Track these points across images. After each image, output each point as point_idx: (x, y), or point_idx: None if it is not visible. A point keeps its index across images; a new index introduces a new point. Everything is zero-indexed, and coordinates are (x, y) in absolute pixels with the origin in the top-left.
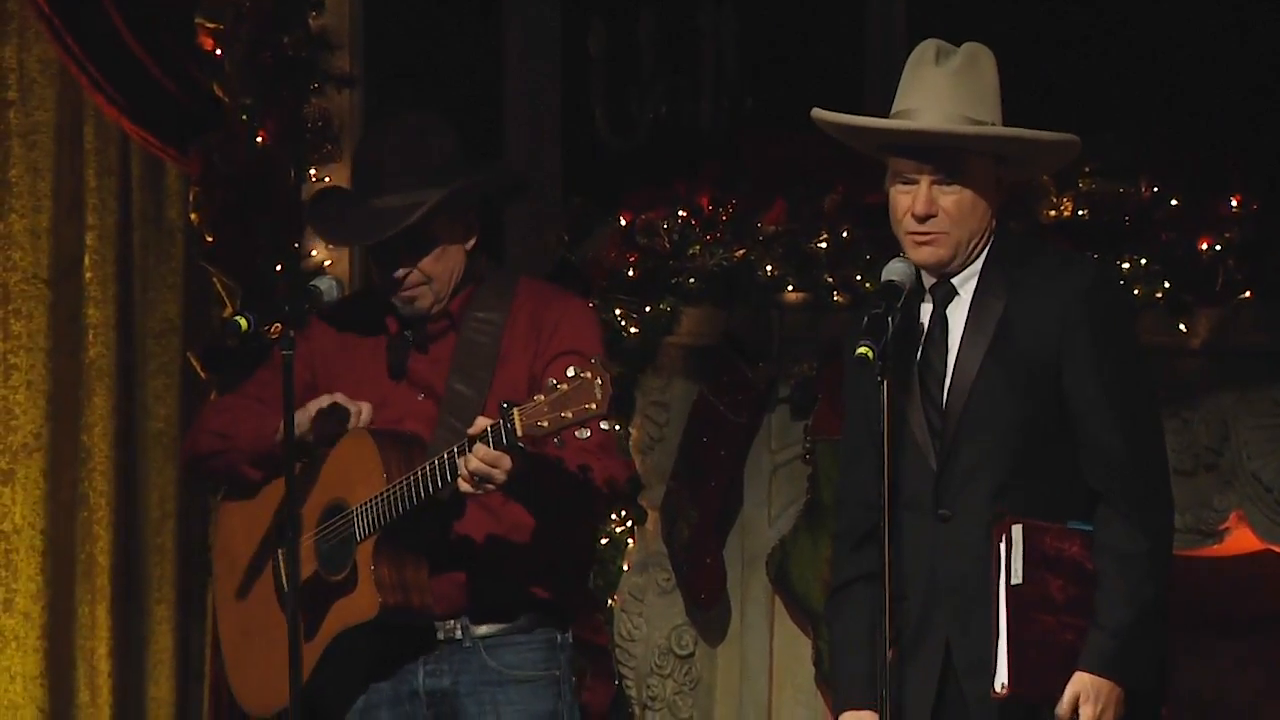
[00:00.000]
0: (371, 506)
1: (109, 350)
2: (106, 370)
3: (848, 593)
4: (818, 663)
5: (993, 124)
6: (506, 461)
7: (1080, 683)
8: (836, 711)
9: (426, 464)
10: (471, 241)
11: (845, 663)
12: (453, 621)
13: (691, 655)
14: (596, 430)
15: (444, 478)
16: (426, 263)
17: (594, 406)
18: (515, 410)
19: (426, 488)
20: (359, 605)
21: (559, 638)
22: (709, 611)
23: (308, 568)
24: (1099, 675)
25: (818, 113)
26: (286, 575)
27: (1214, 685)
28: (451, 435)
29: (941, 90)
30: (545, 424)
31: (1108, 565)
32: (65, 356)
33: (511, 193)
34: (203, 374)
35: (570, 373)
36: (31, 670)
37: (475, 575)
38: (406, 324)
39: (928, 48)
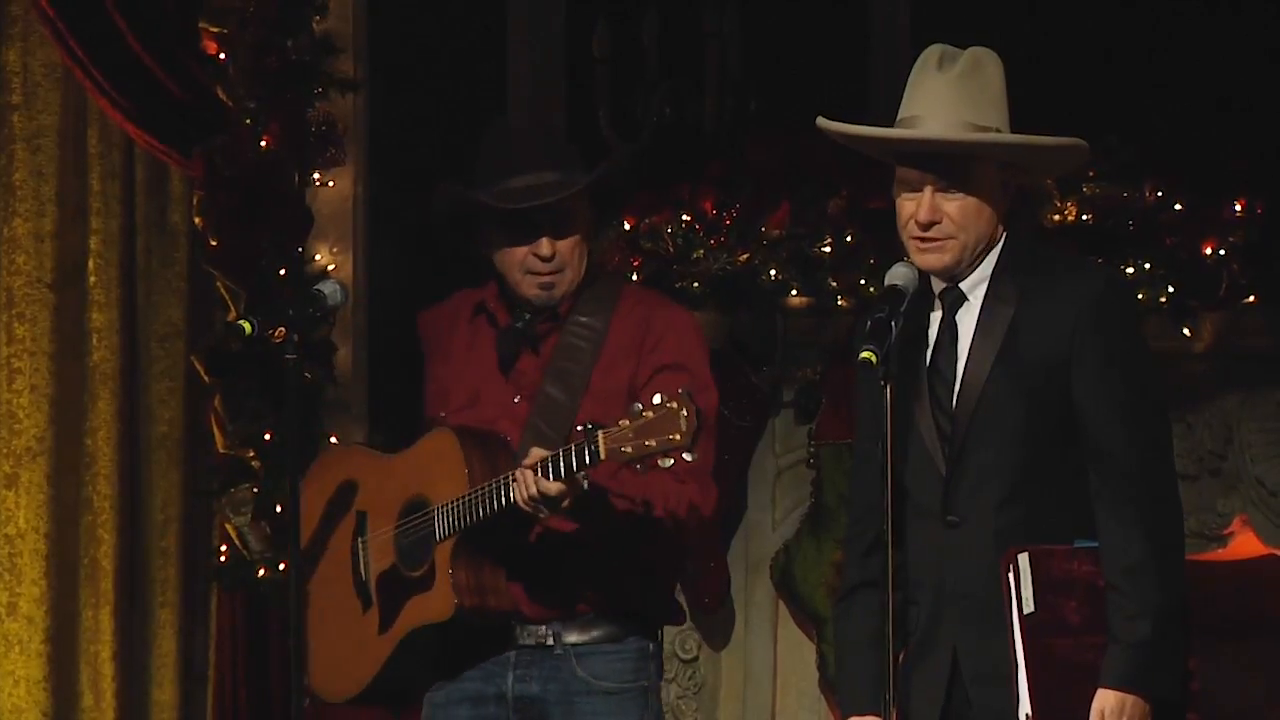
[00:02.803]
0: (453, 508)
1: (113, 354)
2: (110, 374)
3: (855, 598)
4: (821, 667)
5: (996, 129)
6: (569, 495)
7: (1104, 699)
8: (843, 717)
9: (510, 473)
10: (588, 245)
11: (852, 668)
12: (544, 628)
13: (695, 659)
14: (680, 461)
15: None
16: (567, 247)
17: (677, 438)
18: (600, 433)
19: (508, 496)
20: (435, 605)
21: (650, 646)
22: (713, 616)
23: (387, 559)
24: (1121, 690)
25: (822, 122)
26: (364, 566)
27: (1218, 690)
28: (538, 439)
29: (944, 97)
30: (629, 450)
31: (1118, 579)
32: (69, 361)
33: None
34: (206, 378)
35: (656, 400)
36: (35, 674)
37: (568, 579)
38: (517, 319)
39: (932, 53)
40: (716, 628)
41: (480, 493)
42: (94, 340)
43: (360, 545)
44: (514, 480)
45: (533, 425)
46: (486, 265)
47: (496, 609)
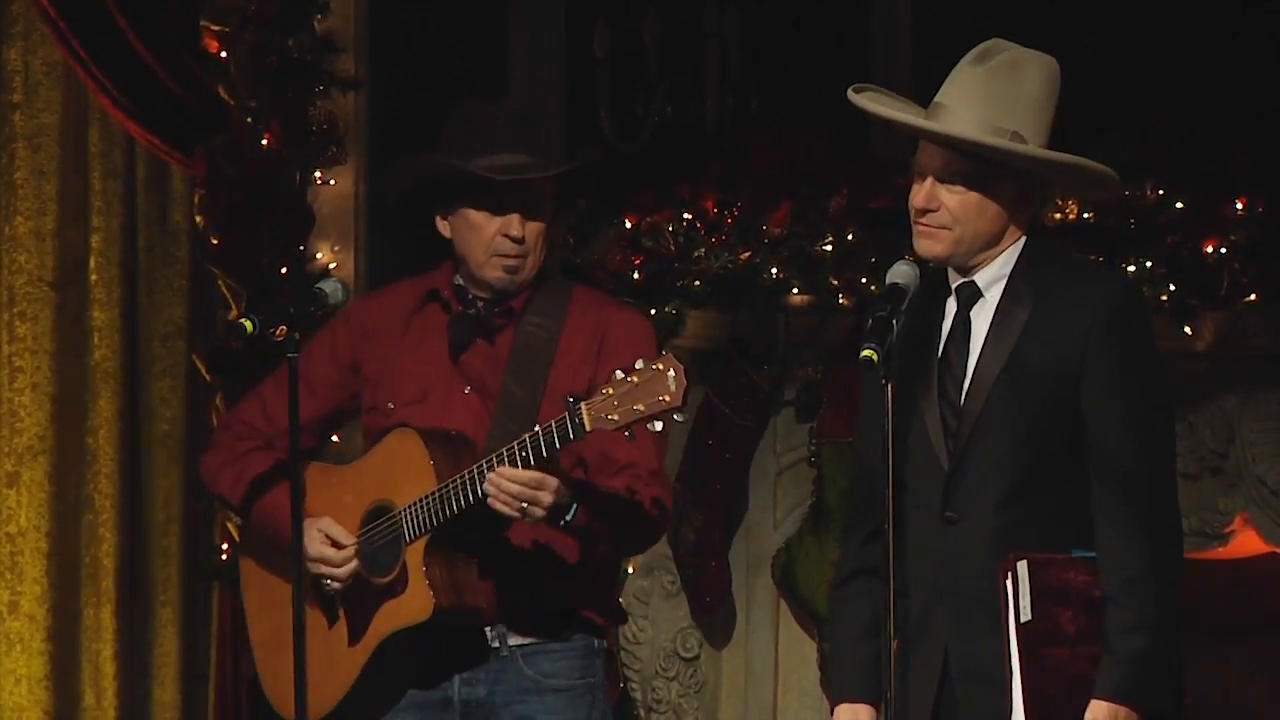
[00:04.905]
0: (421, 507)
1: (114, 353)
2: (111, 373)
3: (850, 585)
4: (822, 666)
5: (1016, 133)
6: (552, 483)
7: (1097, 710)
8: (833, 703)
9: (484, 461)
10: (548, 237)
11: (844, 655)
12: (490, 630)
13: (696, 658)
14: (669, 424)
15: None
16: (534, 232)
17: (667, 399)
18: (583, 405)
19: (482, 487)
20: (411, 607)
21: (596, 643)
22: (714, 615)
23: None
24: (1115, 702)
25: (853, 95)
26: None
27: (1219, 689)
28: (506, 439)
29: (970, 91)
30: (616, 417)
31: (1115, 590)
32: (70, 359)
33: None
34: (208, 376)
35: (639, 364)
36: (36, 673)
37: (518, 579)
38: (470, 306)
39: (981, 46)
40: (718, 627)
41: (451, 487)
42: (95, 339)
43: None
44: (484, 476)
45: (500, 424)
46: (441, 251)
47: (473, 607)
